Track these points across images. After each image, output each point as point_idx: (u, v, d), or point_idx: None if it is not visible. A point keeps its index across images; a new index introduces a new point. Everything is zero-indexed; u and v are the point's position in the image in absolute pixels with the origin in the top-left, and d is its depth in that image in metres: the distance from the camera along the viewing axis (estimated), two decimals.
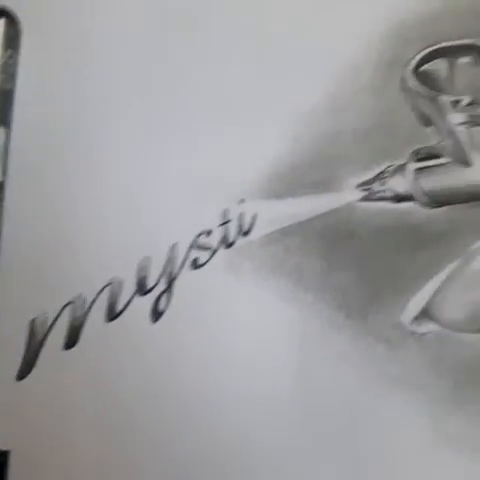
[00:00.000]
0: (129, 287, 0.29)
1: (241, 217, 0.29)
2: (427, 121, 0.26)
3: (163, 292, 0.29)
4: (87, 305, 0.29)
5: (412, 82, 0.26)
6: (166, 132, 0.30)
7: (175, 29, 0.30)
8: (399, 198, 0.27)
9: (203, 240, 0.29)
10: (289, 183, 0.28)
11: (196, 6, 0.30)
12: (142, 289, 0.29)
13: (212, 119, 0.29)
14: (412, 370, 0.26)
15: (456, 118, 0.26)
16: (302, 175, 0.28)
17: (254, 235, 0.29)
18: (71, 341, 0.29)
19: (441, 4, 0.28)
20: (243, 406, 0.28)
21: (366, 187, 0.27)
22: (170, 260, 0.29)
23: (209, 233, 0.29)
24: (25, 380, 0.29)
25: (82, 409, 0.29)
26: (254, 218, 0.29)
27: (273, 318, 0.28)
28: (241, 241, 0.29)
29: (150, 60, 0.30)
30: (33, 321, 0.29)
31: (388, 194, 0.27)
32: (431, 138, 0.27)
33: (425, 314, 0.25)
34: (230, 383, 0.28)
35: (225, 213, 0.29)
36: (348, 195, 0.28)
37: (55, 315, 0.29)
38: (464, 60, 0.26)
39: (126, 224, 0.30)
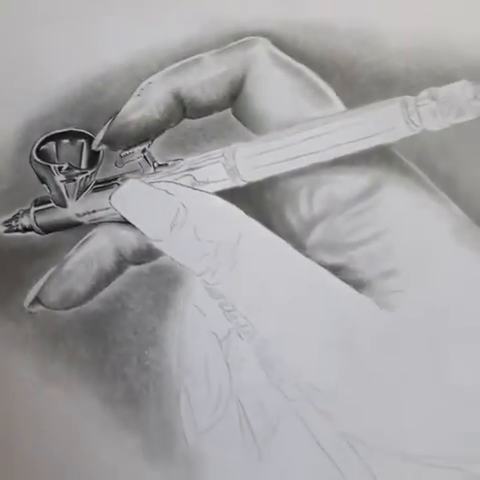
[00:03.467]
0: None
1: None
2: (43, 180, 0.41)
3: None
4: None
5: (34, 157, 0.41)
6: None
7: None
8: (26, 229, 0.42)
9: None
10: None
11: None
12: None
13: None
14: (34, 339, 0.41)
15: (59, 178, 0.40)
16: None
17: None
18: None
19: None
20: None
21: (7, 224, 0.43)
22: None
23: None
24: None
25: None
26: None
27: None
28: None
29: None
30: None
31: (20, 227, 0.43)
32: (46, 191, 0.42)
33: (36, 300, 0.40)
34: None
35: None
36: None
37: None
38: (65, 141, 0.42)
39: None
